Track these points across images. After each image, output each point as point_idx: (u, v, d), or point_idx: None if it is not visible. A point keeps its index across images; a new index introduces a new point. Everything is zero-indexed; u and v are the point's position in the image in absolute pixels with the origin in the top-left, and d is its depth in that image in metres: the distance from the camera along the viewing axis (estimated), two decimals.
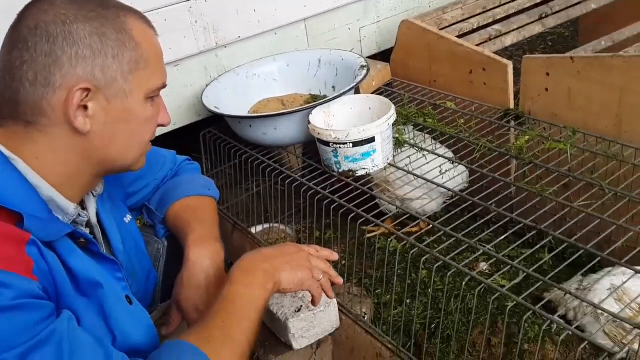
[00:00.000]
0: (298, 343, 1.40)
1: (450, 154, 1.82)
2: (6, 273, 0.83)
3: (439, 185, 1.61)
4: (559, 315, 1.29)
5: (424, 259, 1.36)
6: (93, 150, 1.00)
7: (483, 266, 1.63)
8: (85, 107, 0.96)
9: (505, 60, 1.93)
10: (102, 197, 1.19)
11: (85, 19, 0.94)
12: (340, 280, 1.29)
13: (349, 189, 1.64)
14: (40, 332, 0.84)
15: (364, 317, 1.48)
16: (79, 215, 1.06)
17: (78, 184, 1.04)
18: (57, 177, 0.99)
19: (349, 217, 1.53)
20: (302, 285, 1.20)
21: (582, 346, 1.07)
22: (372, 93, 2.18)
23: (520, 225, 1.41)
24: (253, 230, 1.99)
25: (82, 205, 1.13)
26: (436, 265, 1.31)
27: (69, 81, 0.94)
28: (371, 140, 1.62)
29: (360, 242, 1.83)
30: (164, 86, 1.07)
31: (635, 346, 1.10)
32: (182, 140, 2.16)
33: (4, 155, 0.95)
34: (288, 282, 1.18)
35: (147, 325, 1.13)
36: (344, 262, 1.81)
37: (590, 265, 1.26)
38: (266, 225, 2.03)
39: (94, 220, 1.16)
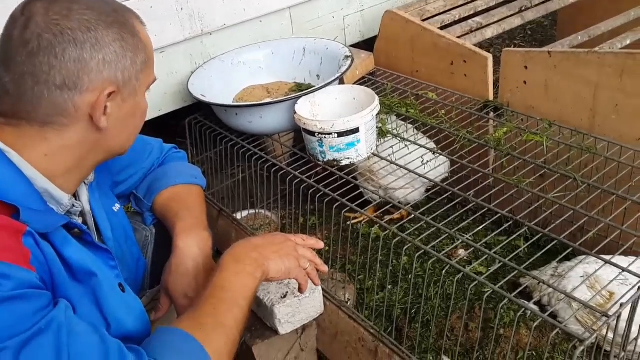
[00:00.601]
0: (284, 328, 1.44)
1: (431, 145, 1.86)
2: (5, 264, 0.86)
3: (420, 176, 1.66)
4: (534, 301, 1.35)
5: (405, 247, 1.41)
6: (102, 143, 1.06)
7: (462, 253, 1.69)
8: (105, 107, 1.01)
9: (485, 53, 1.98)
10: (91, 187, 1.21)
11: (107, 24, 0.98)
12: (325, 268, 1.34)
13: (334, 177, 1.68)
14: (39, 320, 0.87)
15: (347, 303, 1.53)
16: (73, 205, 1.09)
17: (77, 175, 1.08)
18: (59, 171, 1.02)
19: (333, 205, 1.58)
20: (289, 274, 1.25)
21: (555, 332, 1.13)
22: (356, 82, 2.22)
23: (497, 216, 1.47)
24: (238, 216, 2.02)
25: (75, 194, 1.15)
26: (417, 254, 1.36)
27: (95, 85, 0.98)
28: (355, 130, 1.67)
29: (344, 229, 1.88)
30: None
31: (604, 332, 1.17)
32: (166, 125, 2.18)
33: None
34: (276, 271, 1.22)
35: (140, 312, 1.17)
36: (327, 248, 1.86)
37: (564, 254, 1.33)
38: (251, 211, 2.06)
39: (87, 208, 1.19)
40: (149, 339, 1.04)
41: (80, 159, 1.05)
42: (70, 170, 1.04)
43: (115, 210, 1.31)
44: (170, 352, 1.00)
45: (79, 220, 1.14)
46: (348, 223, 1.89)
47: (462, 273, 1.29)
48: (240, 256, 1.19)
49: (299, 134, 1.93)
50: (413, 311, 1.58)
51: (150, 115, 2.04)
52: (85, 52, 0.96)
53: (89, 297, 1.04)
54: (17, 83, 0.96)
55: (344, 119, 1.65)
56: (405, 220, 1.52)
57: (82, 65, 0.97)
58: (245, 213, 2.06)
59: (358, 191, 1.64)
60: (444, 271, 1.31)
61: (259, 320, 1.50)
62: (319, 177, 1.70)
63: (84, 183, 1.18)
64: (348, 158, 1.72)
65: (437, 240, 1.45)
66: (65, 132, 1.00)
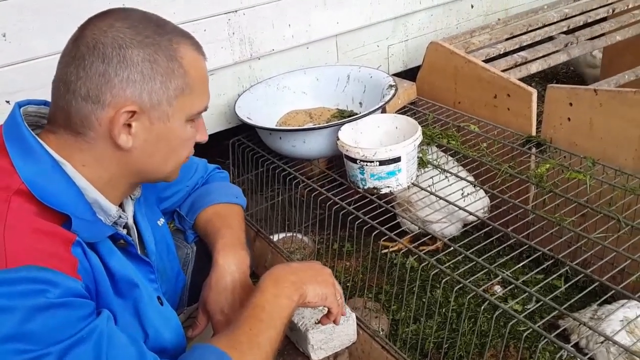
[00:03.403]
0: (316, 354, 1.44)
1: (470, 178, 1.86)
2: (54, 272, 0.88)
3: (460, 208, 1.66)
4: (572, 344, 1.32)
5: (444, 280, 1.40)
6: (132, 163, 1.06)
7: (498, 289, 1.67)
8: (130, 125, 1.01)
9: (530, 88, 1.97)
10: (139, 201, 1.24)
11: (140, 44, 0.99)
12: (345, 313, 1.34)
13: (372, 205, 1.68)
14: (82, 329, 0.89)
15: (381, 333, 1.53)
16: (120, 217, 1.11)
17: (118, 190, 1.10)
18: (100, 183, 1.05)
19: (371, 233, 1.58)
20: (325, 300, 1.25)
21: None
22: (398, 111, 2.23)
23: (537, 254, 1.45)
24: (274, 238, 2.04)
25: (121, 207, 1.18)
26: (456, 288, 1.35)
27: (117, 101, 0.99)
28: (397, 159, 1.67)
29: (378, 257, 1.87)
30: (206, 109, 1.12)
31: None
32: (205, 145, 2.21)
33: (54, 160, 1.00)
34: (313, 296, 1.22)
35: (176, 325, 1.19)
36: (361, 275, 1.86)
37: (605, 297, 1.30)
38: (288, 234, 2.08)
39: (130, 222, 1.22)
40: (184, 355, 1.06)
41: (114, 176, 1.06)
42: (107, 185, 1.06)
43: (160, 225, 1.34)
44: None
45: (124, 232, 1.17)
46: (385, 251, 1.89)
47: (500, 310, 1.28)
48: (279, 279, 1.19)
49: (335, 159, 1.95)
50: (446, 346, 1.56)
51: None
52: (111, 67, 0.98)
53: (130, 307, 1.06)
54: (55, 88, 1.02)
55: (386, 147, 1.66)
56: (442, 254, 1.51)
57: (106, 79, 0.98)
58: (281, 235, 2.08)
59: (395, 221, 1.64)
60: (482, 307, 1.30)
61: (291, 345, 1.50)
62: (357, 204, 1.71)
63: (130, 198, 1.21)
64: (388, 187, 1.72)
65: (474, 277, 1.44)
66: (95, 145, 1.02)
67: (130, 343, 0.96)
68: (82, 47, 0.99)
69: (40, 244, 0.91)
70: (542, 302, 1.29)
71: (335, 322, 1.30)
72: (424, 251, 1.51)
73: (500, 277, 1.37)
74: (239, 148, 2.13)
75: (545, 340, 1.19)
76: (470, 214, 1.66)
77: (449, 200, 1.69)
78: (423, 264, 1.44)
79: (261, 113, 2.08)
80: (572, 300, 1.31)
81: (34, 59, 1.74)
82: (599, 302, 1.32)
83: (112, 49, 0.98)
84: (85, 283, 0.95)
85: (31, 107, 1.09)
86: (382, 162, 1.67)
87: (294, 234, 2.08)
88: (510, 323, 1.24)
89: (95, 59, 0.98)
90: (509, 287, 1.39)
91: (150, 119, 1.02)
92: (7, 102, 1.73)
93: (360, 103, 2.19)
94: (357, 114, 2.01)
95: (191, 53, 1.05)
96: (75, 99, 0.99)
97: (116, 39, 0.98)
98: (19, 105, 1.06)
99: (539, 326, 1.23)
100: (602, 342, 1.35)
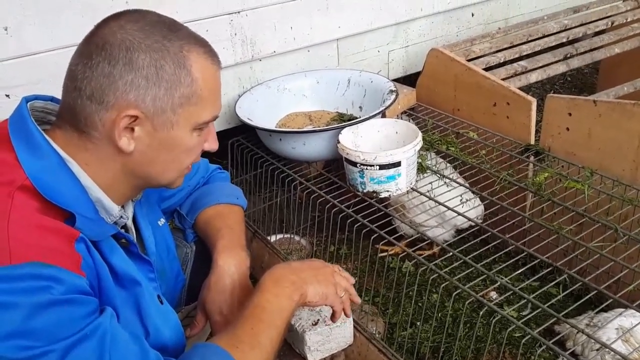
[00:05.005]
0: (312, 356, 1.44)
1: (467, 185, 1.86)
2: (58, 268, 0.88)
3: (459, 214, 1.66)
4: (569, 352, 1.33)
5: (443, 285, 1.41)
6: (134, 167, 1.05)
7: (494, 296, 1.68)
8: (132, 129, 1.01)
9: (529, 97, 1.99)
10: (139, 203, 1.24)
11: (148, 48, 0.98)
12: (358, 299, 1.33)
13: (369, 210, 1.69)
14: (86, 326, 0.89)
15: (377, 336, 1.53)
16: (121, 217, 1.11)
17: (120, 192, 1.09)
18: (103, 183, 1.05)
19: (370, 236, 1.58)
20: (326, 300, 1.25)
21: None
22: (397, 116, 2.24)
23: (534, 262, 1.46)
24: (271, 239, 2.04)
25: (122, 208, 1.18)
26: (455, 293, 1.36)
27: (120, 104, 0.98)
28: (397, 164, 1.68)
29: (374, 261, 1.88)
30: (215, 118, 1.10)
31: None
32: None
33: (60, 157, 1.00)
34: (313, 295, 1.22)
35: (175, 324, 1.18)
36: (357, 279, 1.86)
37: (604, 305, 1.31)
38: (286, 235, 2.08)
39: (129, 223, 1.21)
40: (187, 353, 1.06)
41: (116, 178, 1.05)
42: (109, 186, 1.05)
43: (160, 225, 1.34)
44: None
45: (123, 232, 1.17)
46: (382, 255, 1.89)
47: (499, 315, 1.28)
48: (280, 278, 1.20)
49: (333, 161, 1.94)
50: (442, 350, 1.57)
51: None
52: (116, 69, 0.97)
53: (132, 305, 1.06)
54: (64, 84, 1.02)
55: (386, 152, 1.67)
56: (438, 260, 1.51)
57: (110, 81, 0.97)
58: (279, 236, 2.08)
59: (391, 226, 1.64)
60: (480, 313, 1.31)
61: (287, 346, 1.50)
62: (356, 207, 1.71)
63: (131, 200, 1.20)
64: (387, 191, 1.73)
65: (471, 283, 1.44)
66: (99, 146, 1.01)
67: (133, 341, 0.96)
68: (92, 45, 0.99)
69: (44, 240, 0.90)
70: (538, 309, 1.29)
71: (346, 313, 1.30)
72: (422, 256, 1.51)
73: (498, 283, 1.37)
74: (237, 148, 2.13)
75: (544, 346, 1.20)
76: (468, 219, 1.67)
77: (448, 205, 1.69)
78: (421, 269, 1.44)
79: (261, 114, 2.08)
80: (569, 309, 1.32)
81: (35, 54, 1.73)
82: (595, 311, 1.33)
83: (119, 50, 0.97)
84: (89, 280, 0.94)
85: (38, 102, 1.08)
86: (382, 167, 1.68)
87: (291, 236, 2.08)
88: (508, 329, 1.24)
89: (102, 60, 0.97)
90: (505, 295, 1.40)
91: (153, 125, 1.01)
92: (7, 95, 1.73)
93: (360, 107, 2.19)
94: (356, 117, 2.02)
95: (203, 61, 1.03)
96: (80, 97, 0.99)
97: (124, 41, 0.97)
98: (26, 100, 1.05)
99: (536, 333, 1.23)
100: (597, 350, 1.36)
